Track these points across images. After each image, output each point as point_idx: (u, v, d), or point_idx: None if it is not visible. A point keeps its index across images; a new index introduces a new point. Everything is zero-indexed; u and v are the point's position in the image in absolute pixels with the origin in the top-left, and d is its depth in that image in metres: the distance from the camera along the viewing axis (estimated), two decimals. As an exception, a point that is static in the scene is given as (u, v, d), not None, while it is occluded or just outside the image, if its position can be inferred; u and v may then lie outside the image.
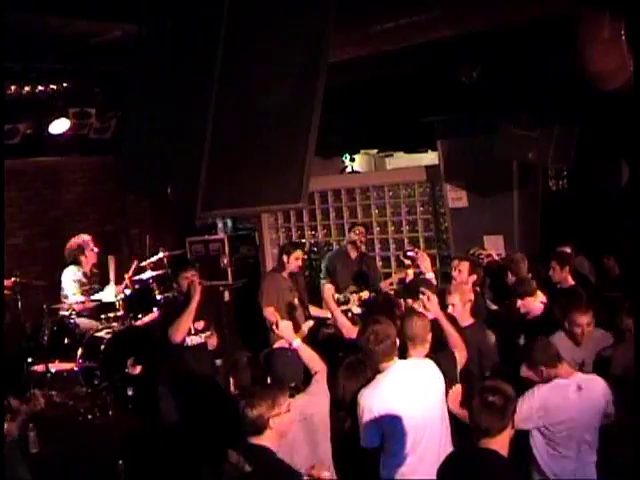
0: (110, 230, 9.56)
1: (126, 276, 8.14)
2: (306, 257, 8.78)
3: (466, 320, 5.62)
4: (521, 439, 4.27)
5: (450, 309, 5.58)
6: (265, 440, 3.73)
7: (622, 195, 8.50)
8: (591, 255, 7.96)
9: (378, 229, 10.14)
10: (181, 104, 3.58)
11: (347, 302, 7.38)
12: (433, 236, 9.72)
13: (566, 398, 4.44)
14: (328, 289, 6.10)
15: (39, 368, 7.46)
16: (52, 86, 6.96)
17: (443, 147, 9.09)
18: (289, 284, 7.40)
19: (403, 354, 4.69)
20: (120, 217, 9.81)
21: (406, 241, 9.90)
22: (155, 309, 7.89)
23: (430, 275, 6.45)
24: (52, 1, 5.12)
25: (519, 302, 6.07)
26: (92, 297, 7.93)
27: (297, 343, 4.59)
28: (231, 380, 4.96)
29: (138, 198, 8.83)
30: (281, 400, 3.79)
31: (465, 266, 6.52)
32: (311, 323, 7.10)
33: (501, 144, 7.81)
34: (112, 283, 8.05)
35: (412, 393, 4.35)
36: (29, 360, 7.49)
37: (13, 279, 7.46)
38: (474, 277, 6.46)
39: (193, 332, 6.15)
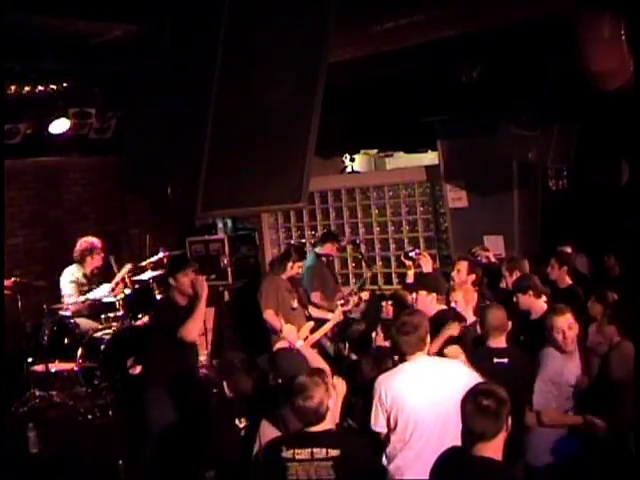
0: (110, 230, 9.54)
1: (117, 277, 8.14)
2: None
3: (468, 319, 5.66)
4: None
5: (452, 306, 5.60)
6: (328, 425, 3.82)
7: (622, 195, 8.50)
8: (591, 255, 7.96)
9: (378, 229, 10.14)
10: (181, 104, 3.58)
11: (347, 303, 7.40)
12: (433, 236, 9.71)
13: None
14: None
15: (39, 368, 7.45)
16: (52, 86, 6.95)
17: (443, 147, 9.08)
18: (288, 286, 7.41)
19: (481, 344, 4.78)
20: (120, 217, 9.81)
21: (406, 241, 9.89)
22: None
23: None
24: (52, 1, 5.11)
25: (519, 297, 5.92)
26: (88, 296, 7.92)
27: (300, 344, 4.62)
28: (224, 383, 4.94)
29: (138, 198, 8.83)
30: (328, 382, 3.88)
31: (464, 265, 6.52)
32: (311, 324, 7.10)
33: (501, 144, 7.81)
34: (113, 282, 8.06)
35: (423, 388, 4.32)
36: (29, 360, 7.48)
37: (13, 279, 7.45)
38: (472, 277, 6.46)
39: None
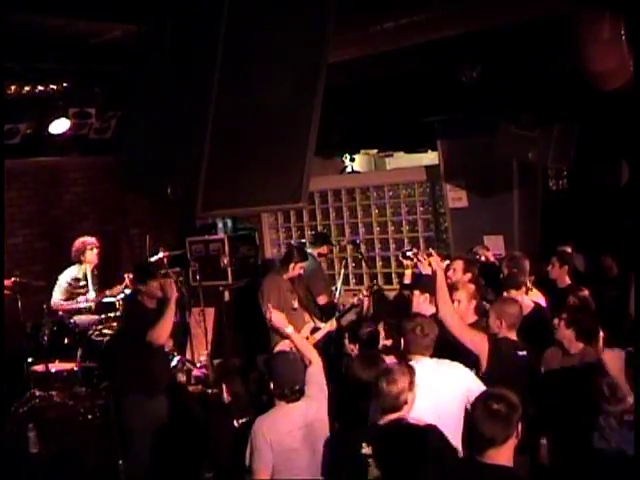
0: (110, 230, 9.54)
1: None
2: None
3: (470, 317, 5.66)
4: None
5: (455, 305, 5.60)
6: (404, 414, 3.88)
7: (622, 195, 8.49)
8: (591, 255, 7.95)
9: (378, 229, 10.14)
10: (181, 104, 3.58)
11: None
12: (433, 236, 9.72)
13: None
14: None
15: (39, 368, 7.45)
16: (52, 86, 6.95)
17: (443, 147, 9.08)
18: (290, 286, 7.40)
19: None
20: (120, 217, 9.80)
21: (406, 241, 9.90)
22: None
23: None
24: (52, 1, 5.11)
25: (512, 294, 6.02)
26: (83, 299, 7.94)
27: (290, 330, 4.59)
28: (224, 387, 4.94)
29: (138, 198, 8.82)
30: (414, 379, 3.96)
31: (459, 265, 6.52)
32: (312, 325, 7.12)
33: (501, 144, 7.81)
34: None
35: (425, 390, 4.30)
36: (29, 360, 7.48)
37: (13, 279, 7.45)
38: (469, 275, 6.46)
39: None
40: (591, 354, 4.93)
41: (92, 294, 8.06)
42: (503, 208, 8.65)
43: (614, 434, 4.11)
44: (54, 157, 8.88)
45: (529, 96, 7.06)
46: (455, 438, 4.27)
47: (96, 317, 7.86)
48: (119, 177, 7.50)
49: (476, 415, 3.36)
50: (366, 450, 3.81)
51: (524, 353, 5.01)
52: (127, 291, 8.05)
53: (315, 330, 7.01)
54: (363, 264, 9.74)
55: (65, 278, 7.99)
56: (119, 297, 7.95)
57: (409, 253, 7.17)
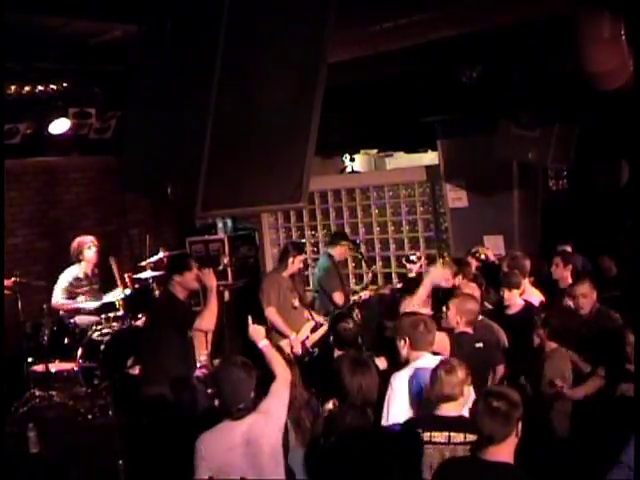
0: (110, 230, 9.54)
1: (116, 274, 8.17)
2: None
3: None
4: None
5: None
6: (459, 409, 3.99)
7: (622, 195, 8.49)
8: (591, 255, 7.95)
9: (378, 229, 10.13)
10: (181, 104, 3.58)
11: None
12: (433, 236, 9.71)
13: None
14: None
15: (39, 368, 7.45)
16: (52, 86, 6.94)
17: (443, 147, 9.08)
18: (290, 284, 7.40)
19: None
20: (120, 217, 9.80)
21: (406, 241, 9.90)
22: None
23: None
24: (52, 1, 5.11)
25: (506, 293, 6.24)
26: (83, 299, 7.94)
27: (264, 344, 4.55)
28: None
29: (138, 198, 8.82)
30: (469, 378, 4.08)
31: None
32: (312, 324, 7.12)
33: (501, 144, 7.81)
34: (119, 287, 8.08)
35: None
36: (29, 360, 7.47)
37: (13, 279, 7.44)
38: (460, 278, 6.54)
39: None
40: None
41: (94, 293, 8.05)
42: (503, 208, 8.65)
43: None
44: (54, 157, 8.88)
45: (529, 96, 7.06)
46: None
47: (96, 317, 7.86)
48: (119, 177, 7.49)
49: (476, 412, 3.38)
50: (422, 436, 3.93)
51: (481, 345, 5.26)
52: (127, 291, 8.06)
53: (316, 328, 7.01)
54: (363, 264, 9.74)
55: (66, 278, 7.98)
56: (119, 297, 7.95)
57: (413, 257, 7.22)
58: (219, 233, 10.08)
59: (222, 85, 3.35)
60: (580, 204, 8.84)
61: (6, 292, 7.40)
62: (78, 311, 7.94)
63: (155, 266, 8.43)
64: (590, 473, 4.14)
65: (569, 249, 7.60)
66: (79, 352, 7.53)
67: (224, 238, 9.97)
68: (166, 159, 3.66)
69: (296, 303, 7.30)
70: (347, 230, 10.29)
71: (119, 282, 8.11)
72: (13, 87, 6.66)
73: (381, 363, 5.21)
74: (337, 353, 5.32)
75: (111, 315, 7.81)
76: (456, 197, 9.06)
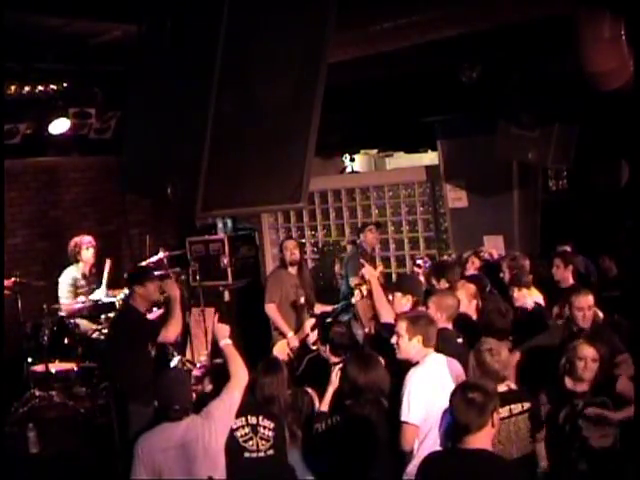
0: (110, 230, 9.54)
1: (105, 275, 8.14)
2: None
3: (472, 316, 5.74)
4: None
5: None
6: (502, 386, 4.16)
7: (622, 195, 8.50)
8: (591, 255, 7.96)
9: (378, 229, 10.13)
10: (181, 104, 3.58)
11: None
12: (433, 236, 9.72)
13: None
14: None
15: (39, 368, 7.45)
16: (52, 86, 6.94)
17: (443, 147, 9.09)
18: (295, 281, 7.37)
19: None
20: (120, 217, 9.79)
21: (406, 241, 9.90)
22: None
23: None
24: (52, 1, 5.11)
25: (515, 292, 6.21)
26: (83, 298, 7.92)
27: (225, 343, 4.55)
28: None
29: (138, 198, 8.81)
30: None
31: None
32: (312, 321, 7.10)
33: (501, 144, 7.81)
34: (103, 286, 8.04)
35: (442, 380, 4.46)
36: (29, 360, 7.47)
37: (13, 279, 7.44)
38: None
39: None
40: None
41: (97, 292, 8.04)
42: (503, 208, 8.66)
43: None
44: (54, 157, 8.88)
45: (529, 96, 7.06)
46: None
47: (96, 318, 7.84)
48: (119, 177, 7.49)
49: (454, 403, 3.47)
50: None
51: (461, 340, 5.26)
52: (127, 291, 8.05)
53: (316, 326, 7.00)
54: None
55: (65, 279, 7.97)
56: (119, 297, 7.94)
57: (419, 261, 7.24)
58: (219, 233, 10.08)
59: (222, 85, 3.35)
60: (580, 204, 8.85)
61: (6, 292, 7.39)
62: (82, 311, 7.93)
63: (155, 266, 8.43)
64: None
65: (568, 249, 7.60)
66: (79, 352, 7.53)
67: (224, 238, 9.97)
68: (166, 159, 3.66)
69: (302, 300, 7.26)
70: (347, 230, 10.30)
71: (105, 283, 8.06)
72: (13, 87, 6.66)
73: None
74: (333, 360, 5.26)
75: (111, 315, 7.80)
76: (456, 197, 9.06)
